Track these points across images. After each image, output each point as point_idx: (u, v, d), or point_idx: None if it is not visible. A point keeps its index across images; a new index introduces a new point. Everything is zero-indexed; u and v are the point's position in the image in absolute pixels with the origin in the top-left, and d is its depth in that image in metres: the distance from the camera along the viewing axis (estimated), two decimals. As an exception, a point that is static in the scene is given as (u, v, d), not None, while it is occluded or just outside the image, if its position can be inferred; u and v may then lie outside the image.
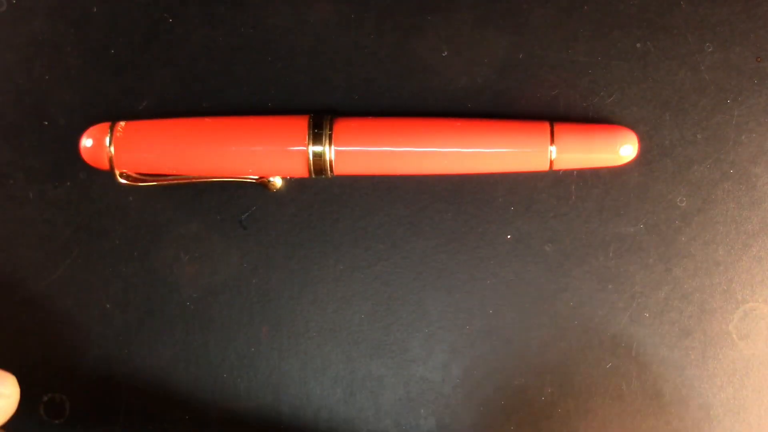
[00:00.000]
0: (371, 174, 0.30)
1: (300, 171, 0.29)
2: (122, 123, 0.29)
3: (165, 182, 0.30)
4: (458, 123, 0.30)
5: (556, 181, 0.31)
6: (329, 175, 0.30)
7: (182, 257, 0.31)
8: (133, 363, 0.31)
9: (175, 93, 0.31)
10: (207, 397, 0.31)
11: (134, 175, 0.30)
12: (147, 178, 0.30)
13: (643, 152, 0.31)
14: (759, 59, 0.31)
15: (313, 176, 0.29)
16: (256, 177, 0.30)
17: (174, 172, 0.30)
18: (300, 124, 0.29)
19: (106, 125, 0.29)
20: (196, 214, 0.31)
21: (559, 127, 0.30)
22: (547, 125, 0.30)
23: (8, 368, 0.31)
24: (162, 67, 0.31)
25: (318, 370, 0.31)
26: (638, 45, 0.31)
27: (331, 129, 0.29)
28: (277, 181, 0.30)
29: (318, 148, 0.29)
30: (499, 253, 0.31)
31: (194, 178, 0.30)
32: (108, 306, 0.31)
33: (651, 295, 0.31)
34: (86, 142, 0.29)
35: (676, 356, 0.31)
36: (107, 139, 0.29)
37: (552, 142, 0.29)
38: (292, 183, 0.31)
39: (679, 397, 0.31)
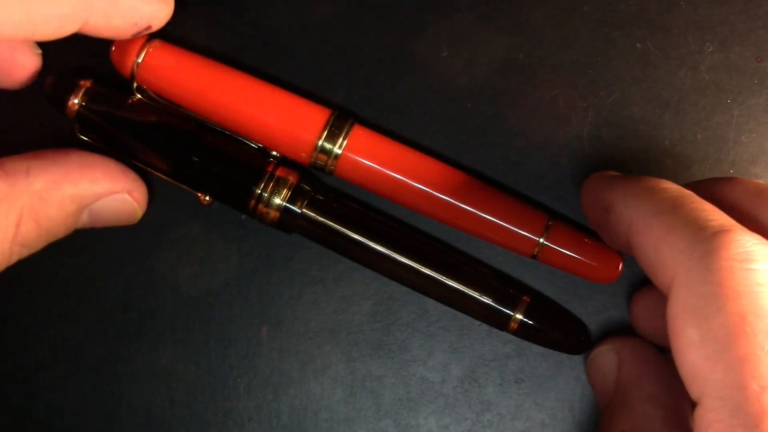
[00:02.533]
0: (366, 188, 0.30)
1: (301, 158, 0.29)
2: (157, 41, 0.29)
3: (173, 110, 0.29)
4: (468, 179, 0.30)
5: (556, 180, 0.31)
6: (327, 174, 0.29)
7: (182, 257, 0.31)
8: (133, 363, 0.31)
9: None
10: (207, 397, 0.31)
11: (149, 92, 0.29)
12: (160, 100, 0.30)
13: (643, 152, 0.31)
14: (759, 59, 0.31)
15: (312, 167, 0.29)
16: (258, 145, 0.30)
17: (187, 105, 0.29)
18: (320, 116, 0.29)
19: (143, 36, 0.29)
20: (196, 214, 0.31)
21: (555, 226, 0.29)
22: (545, 218, 0.30)
23: (9, 368, 0.31)
24: (162, 67, 0.31)
25: (318, 370, 0.31)
26: (638, 45, 0.31)
27: (348, 133, 0.29)
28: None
29: (328, 145, 0.29)
30: (499, 252, 0.31)
31: (201, 119, 0.29)
32: (108, 306, 0.31)
33: (651, 295, 0.31)
34: (119, 43, 0.29)
35: (676, 356, 0.31)
36: (140, 47, 0.29)
37: (543, 234, 0.29)
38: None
39: (679, 397, 0.31)
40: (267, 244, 0.31)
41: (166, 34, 0.31)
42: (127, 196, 0.28)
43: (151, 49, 0.29)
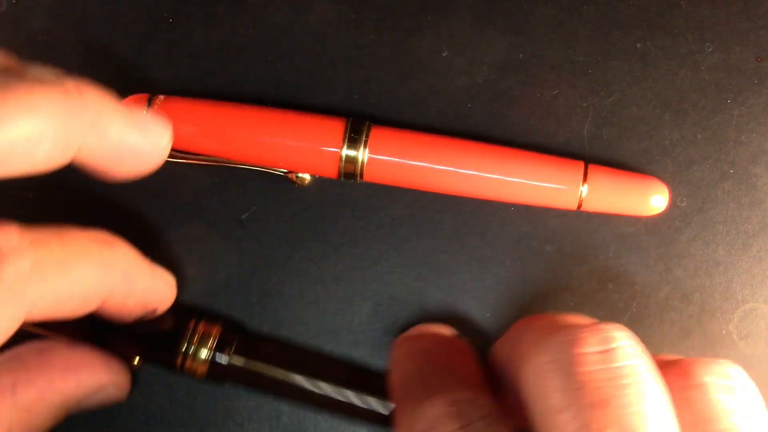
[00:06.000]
0: (398, 185, 0.30)
1: (329, 172, 0.29)
2: (161, 96, 0.29)
3: (194, 161, 0.30)
4: (494, 149, 0.30)
5: (556, 181, 0.31)
6: (358, 180, 0.30)
7: (182, 257, 0.31)
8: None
9: (175, 93, 0.31)
10: (207, 397, 0.31)
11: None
12: (177, 154, 0.30)
13: (643, 152, 0.31)
14: (759, 59, 0.31)
15: (342, 179, 0.30)
16: (285, 171, 0.30)
17: (205, 152, 0.30)
18: (337, 126, 0.29)
19: (144, 96, 0.29)
20: (196, 214, 0.31)
21: (593, 169, 0.30)
22: (581, 164, 0.30)
23: (8, 368, 0.31)
24: (162, 67, 0.31)
25: (318, 370, 0.31)
26: (638, 45, 0.31)
27: (367, 135, 0.29)
28: (306, 176, 0.30)
29: (352, 153, 0.29)
30: (499, 253, 0.31)
31: (223, 161, 0.30)
32: (108, 306, 0.31)
33: (651, 295, 0.31)
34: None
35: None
36: (144, 104, 0.29)
37: (584, 182, 0.29)
38: (290, 184, 0.31)
39: (679, 397, 0.31)
40: (267, 244, 0.31)
41: (165, 33, 0.31)
42: (112, 387, 0.28)
43: (156, 104, 0.29)
